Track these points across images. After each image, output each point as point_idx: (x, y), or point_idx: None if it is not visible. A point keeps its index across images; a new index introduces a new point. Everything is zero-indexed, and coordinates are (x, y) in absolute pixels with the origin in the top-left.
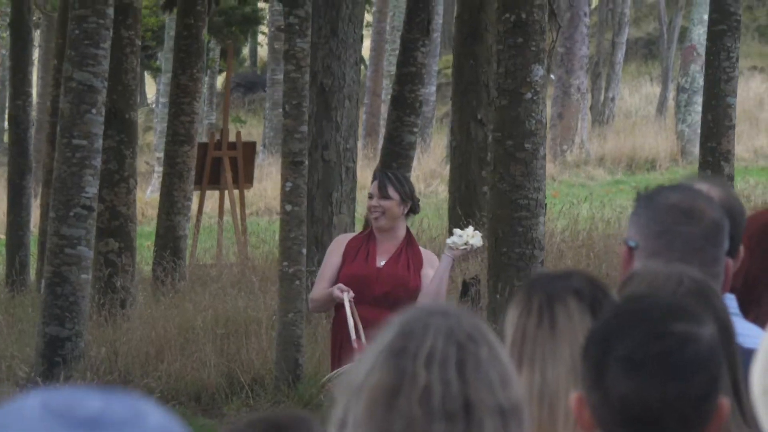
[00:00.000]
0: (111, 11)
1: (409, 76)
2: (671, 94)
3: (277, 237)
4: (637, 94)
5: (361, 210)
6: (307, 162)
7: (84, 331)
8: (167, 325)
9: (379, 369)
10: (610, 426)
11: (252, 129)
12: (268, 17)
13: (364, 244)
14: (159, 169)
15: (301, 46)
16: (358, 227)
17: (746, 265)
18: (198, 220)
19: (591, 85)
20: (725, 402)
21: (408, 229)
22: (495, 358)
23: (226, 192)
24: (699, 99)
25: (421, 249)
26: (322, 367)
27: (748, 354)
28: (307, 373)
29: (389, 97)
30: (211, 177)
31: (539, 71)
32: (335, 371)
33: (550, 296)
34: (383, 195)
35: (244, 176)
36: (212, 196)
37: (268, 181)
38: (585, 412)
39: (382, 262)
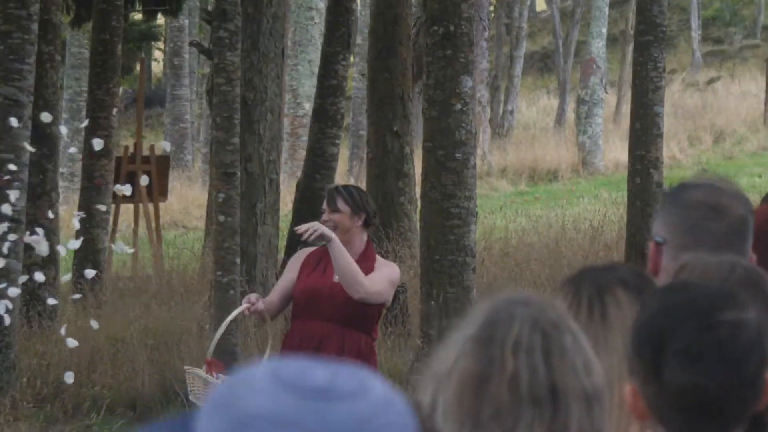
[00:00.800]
0: (35, 27)
1: (330, 89)
2: (569, 107)
3: (194, 248)
4: (534, 106)
5: (283, 222)
6: (239, 173)
7: (14, 343)
8: (96, 336)
9: (466, 356)
10: (667, 415)
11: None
12: (166, 33)
13: (324, 257)
14: (62, 184)
15: (231, 60)
16: (281, 240)
17: None
18: (113, 233)
19: (490, 98)
20: None
21: (368, 242)
22: (578, 346)
23: (141, 205)
24: (599, 111)
25: (379, 260)
26: None
27: None
28: None
29: (291, 111)
30: None
31: (468, 82)
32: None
33: (599, 288)
34: (332, 209)
35: (158, 189)
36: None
37: (172, 195)
38: (640, 404)
39: (336, 277)
